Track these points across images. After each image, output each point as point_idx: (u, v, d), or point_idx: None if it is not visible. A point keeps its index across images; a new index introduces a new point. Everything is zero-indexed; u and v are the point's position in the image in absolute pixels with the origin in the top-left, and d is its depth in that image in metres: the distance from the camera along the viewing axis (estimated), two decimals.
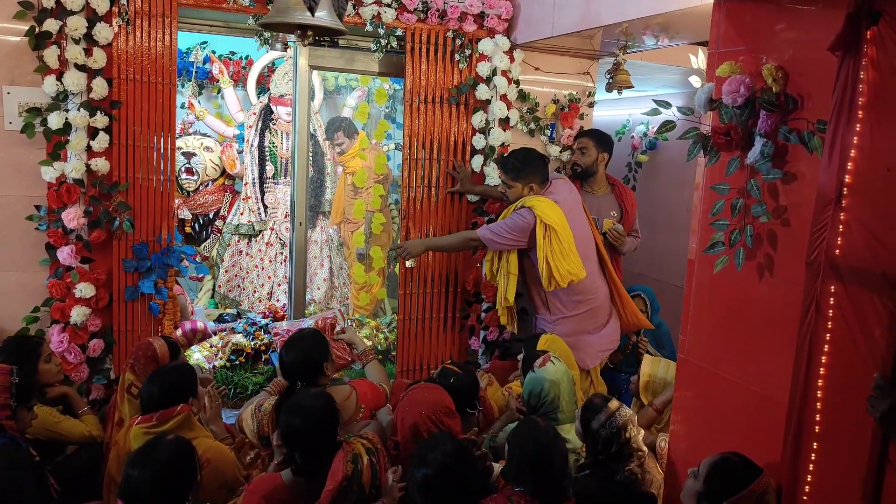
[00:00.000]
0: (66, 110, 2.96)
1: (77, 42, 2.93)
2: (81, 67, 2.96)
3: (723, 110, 2.00)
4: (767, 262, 1.99)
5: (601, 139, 3.79)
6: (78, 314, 3.01)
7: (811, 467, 1.82)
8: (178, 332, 3.49)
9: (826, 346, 1.77)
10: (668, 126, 2.14)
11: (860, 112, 1.67)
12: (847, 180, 1.69)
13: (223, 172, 4.97)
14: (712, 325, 2.22)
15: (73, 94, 2.96)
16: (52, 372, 2.80)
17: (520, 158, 3.30)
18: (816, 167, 1.79)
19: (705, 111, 2.08)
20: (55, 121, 2.94)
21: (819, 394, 1.79)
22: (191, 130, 5.03)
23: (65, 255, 3.00)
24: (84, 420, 2.79)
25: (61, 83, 2.93)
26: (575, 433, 2.52)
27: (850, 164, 1.68)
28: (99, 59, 2.98)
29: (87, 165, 3.02)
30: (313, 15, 1.13)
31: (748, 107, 1.95)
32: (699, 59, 3.00)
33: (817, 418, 1.80)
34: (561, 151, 3.94)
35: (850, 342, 1.70)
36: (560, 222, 3.10)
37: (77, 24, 2.90)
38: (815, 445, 1.81)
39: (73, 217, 2.97)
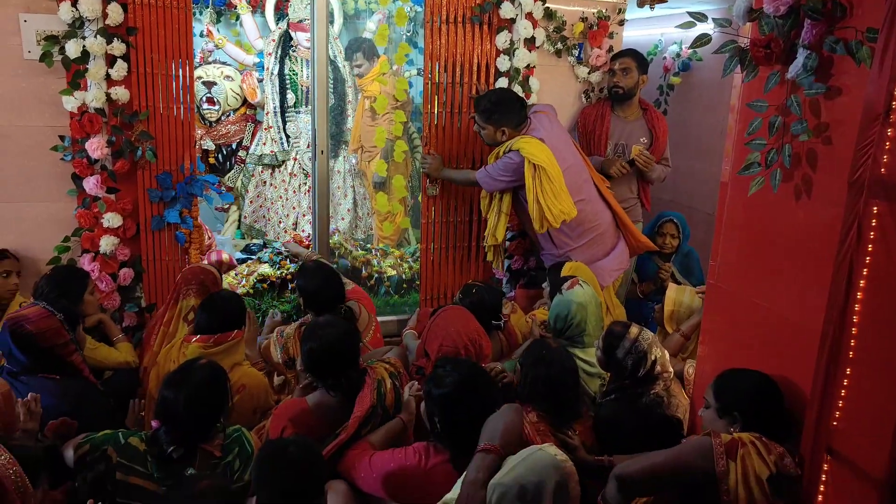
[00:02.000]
0: (84, 38, 2.91)
1: None
2: None
3: (763, 20, 1.87)
4: (806, 184, 1.90)
5: (642, 61, 3.65)
6: (107, 244, 3.05)
7: (843, 393, 1.79)
8: (205, 262, 3.53)
9: (865, 270, 1.71)
10: (703, 40, 2.01)
11: None
12: None
13: (244, 102, 4.90)
14: (745, 249, 2.16)
15: (89, 20, 2.90)
16: (94, 304, 2.90)
17: (493, 100, 3.21)
18: (864, 80, 1.67)
19: (744, 22, 1.95)
20: (73, 49, 2.89)
21: (856, 318, 1.74)
22: (210, 59, 4.93)
23: (91, 185, 3.01)
24: (119, 347, 2.88)
25: (76, 9, 2.87)
26: (597, 361, 2.52)
27: None
28: None
29: (108, 94, 2.99)
30: None
31: (791, 16, 1.82)
32: None
33: (852, 343, 1.76)
34: (589, 73, 3.79)
35: (890, 264, 1.64)
36: (549, 161, 3.04)
37: None
38: (848, 371, 1.77)
39: (96, 147, 2.97)
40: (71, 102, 2.95)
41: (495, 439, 1.74)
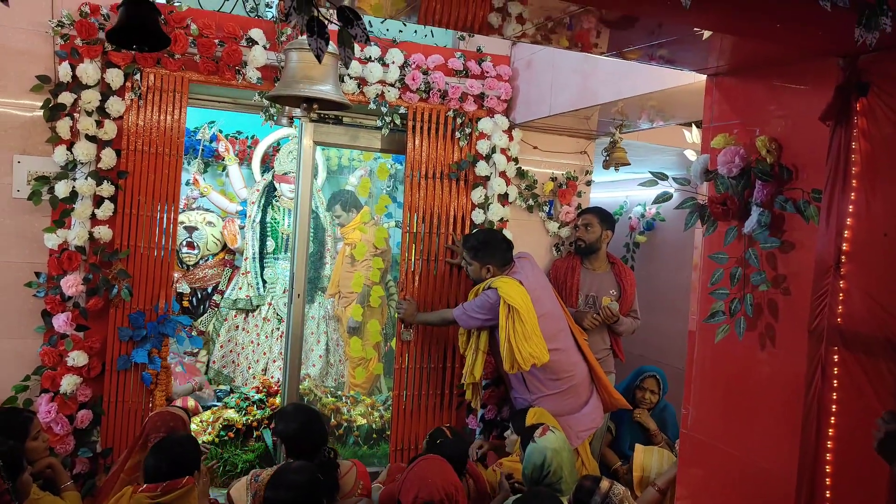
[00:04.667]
0: (74, 179, 3.02)
1: (90, 114, 3.02)
2: (92, 138, 3.03)
3: (719, 180, 2.03)
4: (769, 331, 1.97)
5: (605, 217, 3.84)
6: (68, 383, 2.95)
7: None
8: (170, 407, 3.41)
9: (833, 418, 1.73)
10: (664, 197, 2.17)
11: (854, 181, 1.71)
12: (845, 248, 1.71)
13: (224, 247, 5.00)
14: (714, 397, 2.18)
15: (83, 163, 3.02)
16: (40, 449, 2.70)
17: (480, 239, 3.39)
18: (814, 235, 1.80)
19: (701, 182, 2.11)
20: (62, 189, 2.98)
21: (828, 468, 1.73)
22: (194, 206, 5.10)
23: (60, 322, 2.97)
24: (65, 496, 2.66)
25: (71, 153, 3.00)
26: None
27: (847, 231, 1.71)
28: (110, 130, 3.06)
29: (91, 233, 3.04)
30: (320, 61, 1.13)
31: (743, 177, 1.99)
32: (693, 134, 3.09)
33: (827, 494, 1.73)
34: (560, 227, 3.99)
35: (858, 408, 1.66)
36: (524, 304, 3.10)
37: (91, 98, 3.00)
38: None
39: (71, 284, 2.97)
40: (52, 240, 2.99)
41: None
